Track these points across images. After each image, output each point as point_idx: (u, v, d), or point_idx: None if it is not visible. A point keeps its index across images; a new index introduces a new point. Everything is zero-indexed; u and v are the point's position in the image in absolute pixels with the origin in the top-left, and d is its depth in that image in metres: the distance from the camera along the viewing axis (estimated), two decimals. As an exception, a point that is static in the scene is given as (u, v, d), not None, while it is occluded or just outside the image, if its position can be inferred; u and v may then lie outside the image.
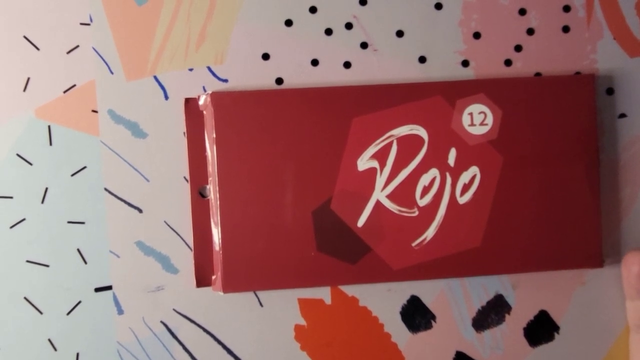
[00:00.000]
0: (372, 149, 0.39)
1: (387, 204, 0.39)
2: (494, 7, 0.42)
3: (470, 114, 0.40)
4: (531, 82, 0.40)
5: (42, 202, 0.40)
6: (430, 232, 0.40)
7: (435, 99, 0.40)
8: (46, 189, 0.40)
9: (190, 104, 0.40)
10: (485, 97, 0.40)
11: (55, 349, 0.40)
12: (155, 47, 0.41)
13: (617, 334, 0.42)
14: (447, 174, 0.40)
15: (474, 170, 0.40)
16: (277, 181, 0.39)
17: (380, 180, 0.40)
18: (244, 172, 0.39)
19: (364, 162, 0.39)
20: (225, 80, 0.41)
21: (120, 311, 0.40)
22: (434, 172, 0.40)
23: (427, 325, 0.42)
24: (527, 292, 0.42)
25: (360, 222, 0.40)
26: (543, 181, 0.40)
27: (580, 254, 0.40)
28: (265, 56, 0.41)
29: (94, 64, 0.41)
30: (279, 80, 0.41)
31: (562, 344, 0.42)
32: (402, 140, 0.40)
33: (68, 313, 0.40)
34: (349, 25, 0.41)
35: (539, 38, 0.42)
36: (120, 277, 0.40)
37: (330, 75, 0.41)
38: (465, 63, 0.42)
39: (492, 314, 0.42)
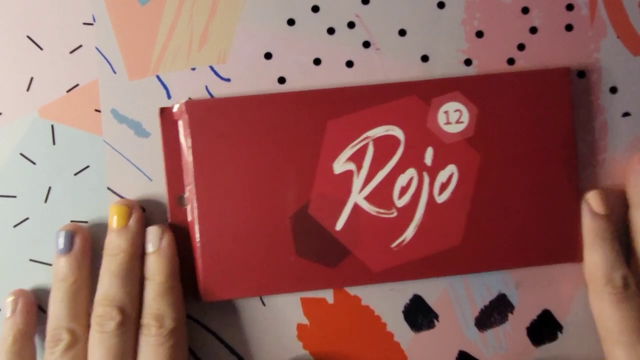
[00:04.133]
0: (348, 152, 0.39)
1: (365, 206, 0.39)
2: (497, 5, 0.42)
3: (446, 112, 0.40)
4: (505, 78, 0.40)
5: (46, 201, 0.40)
6: (409, 233, 0.40)
7: (410, 99, 0.40)
8: (49, 188, 0.40)
9: (165, 113, 0.40)
10: (460, 94, 0.40)
11: (58, 348, 0.40)
12: (157, 47, 0.41)
13: (621, 333, 0.42)
14: (425, 174, 0.40)
15: (451, 168, 0.40)
16: (255, 187, 0.39)
17: (357, 182, 0.39)
18: (221, 180, 0.39)
19: (340, 165, 0.39)
20: (228, 80, 0.41)
21: (123, 310, 0.41)
22: (411, 172, 0.40)
23: (430, 325, 0.42)
24: (530, 292, 0.42)
25: (339, 225, 0.39)
26: (521, 178, 0.40)
27: (560, 250, 0.40)
28: (268, 55, 0.41)
29: (96, 63, 0.41)
30: (282, 80, 0.41)
31: (566, 343, 0.42)
32: (378, 141, 0.39)
33: (71, 312, 0.40)
34: (351, 25, 0.41)
35: (541, 36, 0.42)
36: (123, 276, 0.40)
37: (333, 74, 0.41)
38: (468, 62, 0.42)
39: (495, 313, 0.42)
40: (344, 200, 0.39)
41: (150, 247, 0.38)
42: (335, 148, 0.39)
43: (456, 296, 0.42)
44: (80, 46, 0.41)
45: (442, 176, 0.40)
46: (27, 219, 0.40)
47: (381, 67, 0.41)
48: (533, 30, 0.42)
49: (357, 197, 0.39)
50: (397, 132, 0.39)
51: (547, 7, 0.42)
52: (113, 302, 0.36)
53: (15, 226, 0.40)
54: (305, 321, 0.41)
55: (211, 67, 0.41)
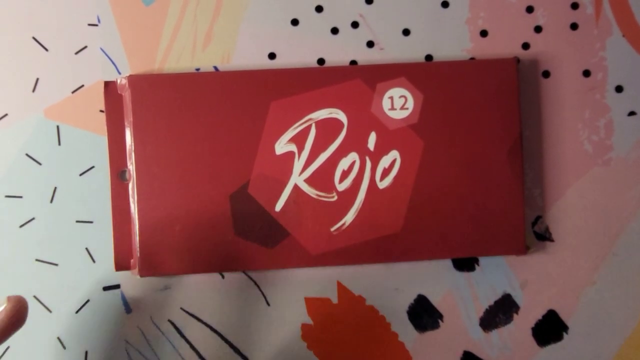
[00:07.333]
0: (290, 133, 0.39)
1: (305, 188, 0.39)
2: (502, 4, 0.42)
3: (391, 97, 0.39)
4: (453, 66, 0.40)
5: (51, 201, 0.41)
6: (349, 217, 0.39)
7: (355, 83, 0.39)
8: (55, 188, 0.41)
9: (110, 87, 0.40)
10: (406, 80, 0.39)
11: (64, 347, 0.41)
12: (162, 47, 0.41)
13: (627, 334, 0.42)
14: (367, 158, 0.39)
15: (394, 154, 0.39)
16: (195, 164, 0.39)
17: (298, 164, 0.39)
18: (162, 155, 0.39)
19: (282, 146, 0.39)
20: (232, 80, 0.41)
21: (128, 310, 0.41)
22: (353, 157, 0.39)
23: (435, 325, 0.41)
24: (535, 292, 0.42)
25: (278, 206, 0.39)
26: (465, 167, 0.40)
27: (503, 241, 0.40)
28: (272, 55, 0.41)
29: (101, 64, 0.41)
30: (286, 80, 0.41)
31: (571, 343, 0.42)
32: (321, 123, 0.39)
33: (77, 312, 0.41)
34: (355, 24, 0.41)
35: (546, 36, 0.42)
36: (128, 275, 0.41)
37: (337, 74, 0.41)
38: (472, 61, 0.41)
39: (500, 313, 0.42)
40: (284, 181, 0.39)
41: None
42: (278, 129, 0.39)
43: (461, 296, 0.41)
44: (85, 47, 0.41)
45: (384, 162, 0.39)
46: (33, 219, 0.41)
47: (385, 67, 0.41)
48: (538, 29, 0.42)
49: (298, 179, 0.39)
50: (341, 115, 0.39)
51: (552, 6, 0.42)
52: None
53: (21, 226, 0.40)
54: (309, 321, 0.41)
55: (215, 68, 0.41)
